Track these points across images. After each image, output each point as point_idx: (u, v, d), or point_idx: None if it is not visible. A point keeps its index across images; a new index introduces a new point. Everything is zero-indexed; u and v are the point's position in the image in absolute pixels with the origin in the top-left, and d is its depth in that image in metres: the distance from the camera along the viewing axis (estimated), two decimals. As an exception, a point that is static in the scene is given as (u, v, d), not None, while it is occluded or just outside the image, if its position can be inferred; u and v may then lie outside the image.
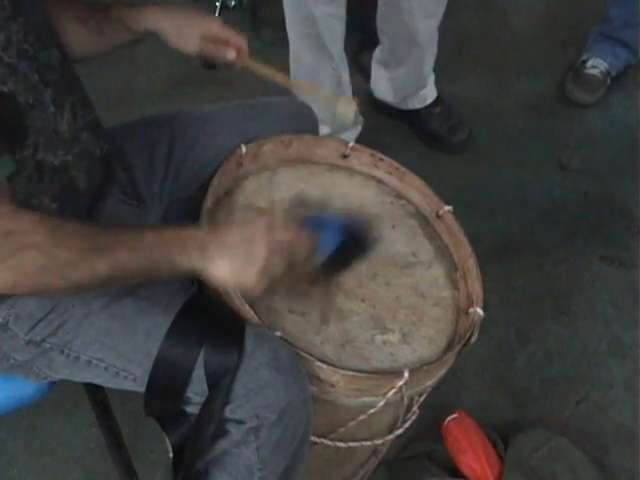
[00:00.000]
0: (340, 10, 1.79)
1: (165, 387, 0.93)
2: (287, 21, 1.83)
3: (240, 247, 0.88)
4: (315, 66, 1.85)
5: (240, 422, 0.92)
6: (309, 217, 1.00)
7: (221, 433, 0.94)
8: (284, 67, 1.97)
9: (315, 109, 1.30)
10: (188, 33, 1.13)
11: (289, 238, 0.91)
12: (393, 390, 0.98)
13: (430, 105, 2.11)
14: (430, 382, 1.05)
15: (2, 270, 0.79)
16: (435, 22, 1.89)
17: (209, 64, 2.28)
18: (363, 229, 1.04)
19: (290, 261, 0.91)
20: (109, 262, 0.83)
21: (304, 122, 1.24)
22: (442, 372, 1.06)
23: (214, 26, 1.14)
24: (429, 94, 2.11)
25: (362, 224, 1.04)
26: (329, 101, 1.20)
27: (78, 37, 1.09)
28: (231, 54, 1.16)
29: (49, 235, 0.80)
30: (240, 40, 1.16)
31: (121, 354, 0.94)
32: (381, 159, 1.25)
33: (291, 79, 1.91)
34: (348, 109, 1.21)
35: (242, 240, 0.89)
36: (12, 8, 0.85)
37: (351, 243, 1.01)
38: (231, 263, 0.88)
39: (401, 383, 0.97)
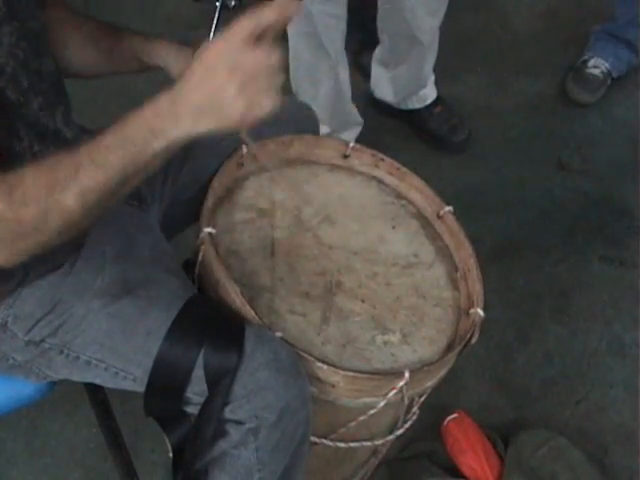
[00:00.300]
0: (339, 9, 1.78)
1: (165, 387, 0.93)
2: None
3: (207, 95, 0.78)
4: (314, 64, 1.85)
5: (240, 423, 0.92)
6: None
7: (220, 433, 0.94)
8: (284, 67, 1.97)
9: (315, 107, 1.30)
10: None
11: (245, 31, 0.79)
12: (394, 391, 0.98)
13: (430, 105, 2.11)
14: (431, 383, 1.05)
15: None
16: (437, 21, 1.89)
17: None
18: None
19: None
20: (76, 192, 0.77)
21: (305, 122, 1.24)
22: (442, 373, 1.06)
23: None
24: (429, 94, 2.11)
25: None
26: None
27: (85, 55, 1.08)
28: None
29: (7, 202, 0.76)
30: None
31: (121, 354, 0.94)
32: (382, 159, 1.24)
33: (291, 76, 1.91)
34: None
35: (202, 83, 0.79)
36: (7, 10, 0.84)
37: None
38: (209, 115, 0.79)
39: (402, 384, 0.97)
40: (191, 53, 1.09)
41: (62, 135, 0.95)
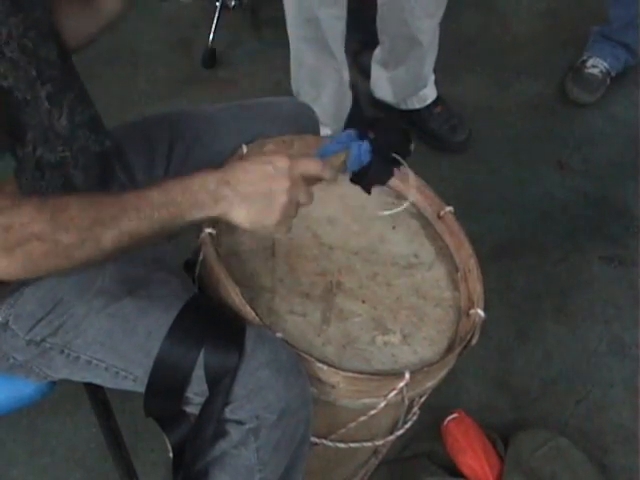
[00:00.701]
0: (342, 11, 1.79)
1: (165, 387, 0.93)
2: (288, 24, 1.82)
3: (259, 189, 0.86)
4: (317, 68, 1.85)
5: (240, 423, 0.92)
6: (331, 141, 0.98)
7: (221, 433, 0.94)
8: (285, 66, 1.97)
9: (316, 109, 1.30)
10: None
11: (313, 170, 0.89)
12: (394, 391, 0.98)
13: (430, 105, 2.11)
14: (431, 383, 1.05)
15: (10, 262, 0.79)
16: (435, 21, 1.90)
17: (210, 63, 2.29)
18: (392, 132, 1.01)
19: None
20: (114, 233, 0.82)
21: (305, 122, 1.24)
22: (443, 373, 1.06)
23: None
24: (429, 94, 2.11)
25: (389, 129, 1.01)
26: None
27: (71, 18, 1.05)
28: None
29: (49, 222, 0.79)
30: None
31: (121, 354, 0.94)
32: (382, 159, 1.24)
33: (292, 79, 1.91)
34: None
35: (260, 181, 0.86)
36: (11, 2, 0.85)
37: (383, 149, 0.98)
38: (249, 208, 0.85)
39: (402, 384, 0.97)
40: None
41: (64, 134, 0.96)
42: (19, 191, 0.81)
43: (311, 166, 0.89)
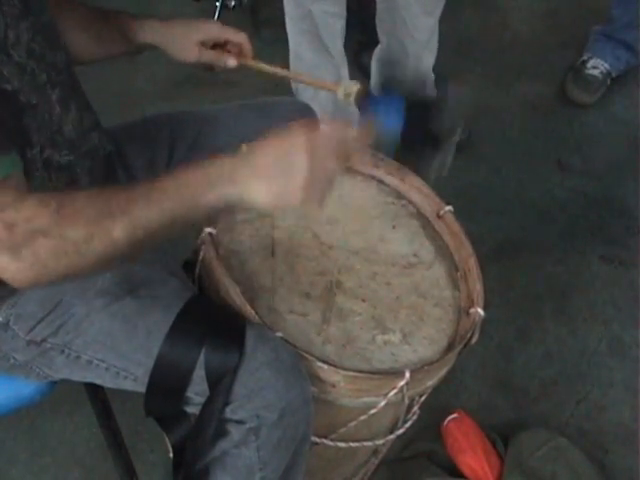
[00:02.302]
0: (338, 8, 1.79)
1: (165, 387, 0.93)
2: (287, 19, 1.83)
3: (276, 166, 0.82)
4: (315, 63, 1.85)
5: (241, 422, 0.92)
6: (363, 103, 0.94)
7: (221, 433, 0.94)
8: (284, 66, 1.97)
9: (315, 107, 1.30)
10: (186, 42, 1.12)
11: (336, 139, 0.85)
12: (394, 390, 0.98)
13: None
14: (431, 382, 1.05)
15: (19, 264, 0.77)
16: (433, 20, 1.89)
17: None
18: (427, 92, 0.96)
19: (346, 156, 0.86)
20: (125, 226, 0.78)
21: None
22: (443, 372, 1.06)
23: (212, 29, 1.13)
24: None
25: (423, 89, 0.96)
26: (332, 88, 1.19)
27: (77, 42, 1.09)
28: (232, 62, 1.14)
29: (54, 216, 0.77)
30: (241, 37, 1.14)
31: (122, 354, 0.94)
32: (382, 159, 1.24)
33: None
34: (351, 91, 1.19)
35: (277, 155, 0.82)
36: (22, 7, 0.85)
37: (420, 106, 0.94)
38: (268, 186, 0.82)
39: (402, 383, 0.97)
40: (177, 22, 1.13)
41: (72, 137, 0.96)
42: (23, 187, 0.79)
43: (332, 135, 0.85)
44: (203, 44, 1.13)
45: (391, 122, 0.91)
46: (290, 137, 0.83)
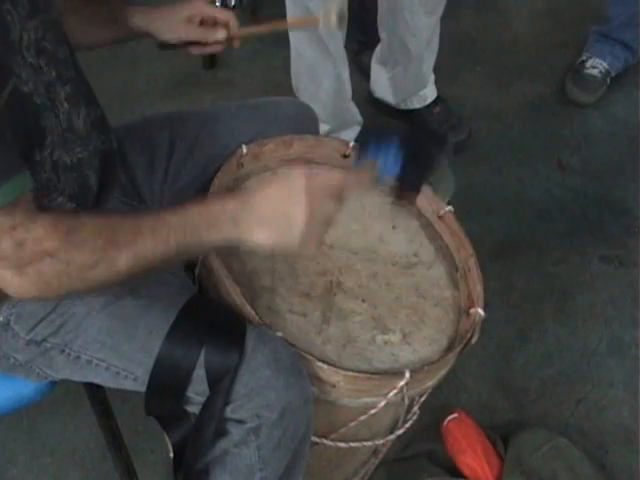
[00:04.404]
0: None
1: (166, 387, 0.93)
2: (288, 15, 1.82)
3: (277, 209, 0.85)
4: (315, 62, 1.85)
5: (241, 422, 0.92)
6: (358, 150, 0.96)
7: (222, 433, 0.94)
8: (285, 66, 1.97)
9: (315, 107, 1.30)
10: (173, 20, 1.13)
11: (334, 183, 0.88)
12: (394, 390, 0.98)
13: (430, 105, 2.11)
14: (431, 382, 1.05)
15: (22, 280, 0.79)
16: (435, 19, 1.89)
17: (210, 63, 2.29)
18: (423, 134, 0.98)
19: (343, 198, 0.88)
20: (129, 257, 0.81)
21: (305, 122, 1.24)
22: (443, 372, 1.06)
23: (199, 5, 1.13)
24: (429, 94, 2.11)
25: (419, 132, 0.99)
26: (313, 21, 1.18)
27: (65, 25, 1.06)
28: (221, 33, 1.14)
29: (63, 240, 0.79)
30: (227, 14, 1.14)
31: (122, 354, 0.94)
32: (382, 159, 1.24)
33: (292, 72, 1.91)
34: (329, 15, 1.18)
35: (278, 201, 0.85)
36: (30, 6, 0.85)
37: (417, 152, 0.95)
38: (269, 229, 0.85)
39: (402, 383, 0.97)
40: (165, 7, 1.13)
41: (82, 134, 0.96)
42: (34, 204, 0.80)
43: (330, 179, 0.88)
44: (190, 21, 1.13)
45: (389, 168, 0.94)
46: (290, 182, 0.86)
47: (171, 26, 1.13)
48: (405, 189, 0.99)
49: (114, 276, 0.82)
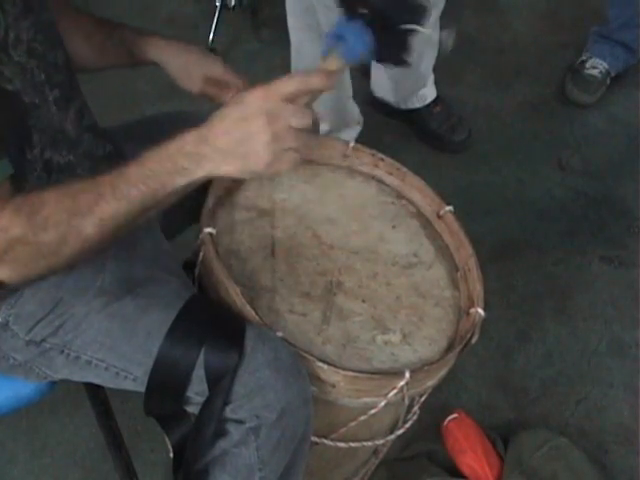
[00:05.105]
0: None
1: (165, 387, 0.93)
2: (288, 13, 1.82)
3: (236, 137, 0.81)
4: (315, 62, 1.85)
5: (240, 422, 0.92)
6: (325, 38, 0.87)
7: (221, 433, 0.94)
8: (285, 66, 1.97)
9: (315, 107, 1.30)
10: (192, 72, 1.13)
11: (292, 89, 0.82)
12: (394, 390, 0.98)
13: (430, 105, 2.12)
14: (431, 382, 1.05)
15: (2, 268, 0.81)
16: (435, 15, 1.89)
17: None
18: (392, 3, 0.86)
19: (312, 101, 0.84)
20: (95, 221, 0.81)
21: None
22: (443, 372, 1.06)
23: (217, 68, 1.14)
24: (429, 94, 2.11)
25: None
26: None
27: (78, 51, 1.09)
28: (230, 95, 1.14)
29: (27, 224, 0.79)
30: (239, 80, 1.14)
31: (121, 354, 0.94)
32: (382, 159, 1.25)
33: (292, 72, 1.91)
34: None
35: (236, 128, 0.81)
36: (23, 5, 0.85)
37: (386, 22, 0.85)
38: (233, 159, 0.81)
39: (402, 383, 0.97)
40: (183, 48, 1.13)
41: (72, 137, 0.96)
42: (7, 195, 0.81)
43: (287, 85, 0.82)
44: (208, 79, 1.14)
45: (357, 47, 0.84)
46: (245, 105, 0.81)
47: (189, 78, 1.14)
48: (383, 60, 0.89)
49: (85, 243, 0.82)
